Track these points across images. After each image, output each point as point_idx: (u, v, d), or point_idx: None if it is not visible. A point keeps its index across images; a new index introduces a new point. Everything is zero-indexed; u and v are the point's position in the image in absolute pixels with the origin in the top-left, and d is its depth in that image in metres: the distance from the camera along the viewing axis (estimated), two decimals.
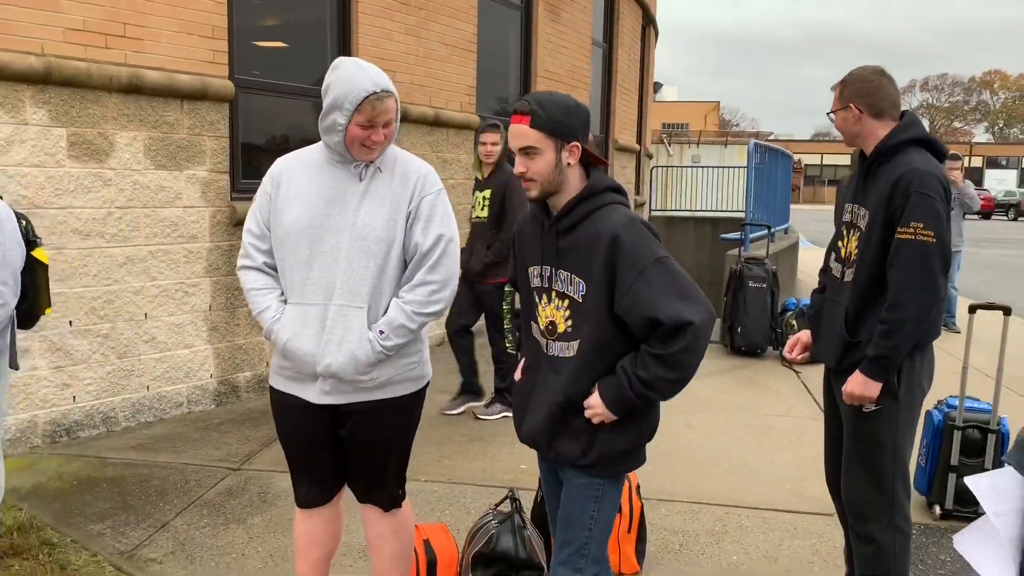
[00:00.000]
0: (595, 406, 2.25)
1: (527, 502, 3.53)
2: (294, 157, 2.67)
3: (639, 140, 14.29)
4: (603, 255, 2.18)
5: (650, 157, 17.03)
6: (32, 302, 3.22)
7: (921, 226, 2.67)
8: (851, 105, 2.86)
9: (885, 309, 2.73)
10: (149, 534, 3.75)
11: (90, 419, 5.00)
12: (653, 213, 18.15)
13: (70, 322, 4.85)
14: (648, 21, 14.38)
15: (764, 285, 7.68)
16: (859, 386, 2.78)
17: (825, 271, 3.14)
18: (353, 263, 2.51)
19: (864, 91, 2.86)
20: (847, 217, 2.97)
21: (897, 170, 2.75)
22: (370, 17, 6.68)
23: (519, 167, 2.24)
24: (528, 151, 2.22)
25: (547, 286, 2.34)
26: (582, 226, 2.25)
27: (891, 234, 2.74)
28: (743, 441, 5.30)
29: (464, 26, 7.89)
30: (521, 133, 2.21)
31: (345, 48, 6.57)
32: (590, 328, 2.24)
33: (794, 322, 7.63)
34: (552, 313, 2.33)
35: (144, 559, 3.53)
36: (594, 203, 2.25)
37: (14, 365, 3.21)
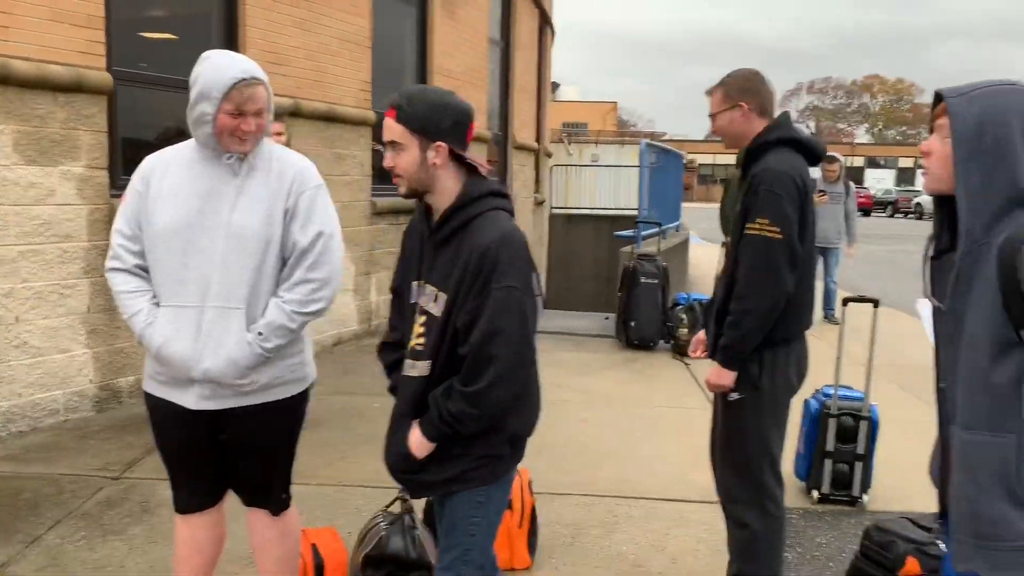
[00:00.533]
0: (413, 443, 2.20)
1: (419, 502, 3.51)
2: (165, 154, 2.57)
3: (538, 139, 14.42)
4: (471, 268, 2.10)
5: (549, 156, 17.22)
6: None
7: (767, 222, 2.77)
8: (742, 104, 2.91)
9: (732, 301, 2.85)
10: (19, 550, 3.55)
11: None
12: (553, 211, 18.36)
13: None
14: (545, 21, 14.53)
15: (656, 281, 7.88)
16: (714, 375, 2.92)
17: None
18: (229, 263, 2.43)
19: (751, 89, 2.94)
20: (731, 215, 3.08)
21: (756, 168, 2.86)
22: (259, 10, 6.51)
23: (387, 161, 2.18)
24: (393, 145, 2.15)
25: (415, 300, 2.28)
26: (459, 235, 2.16)
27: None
28: (635, 433, 5.42)
29: (357, 20, 7.77)
30: (387, 126, 2.15)
31: (232, 41, 6.38)
32: (444, 346, 2.16)
33: (683, 316, 7.85)
34: (416, 329, 2.25)
35: None
36: (471, 211, 2.17)
37: None
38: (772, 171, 2.80)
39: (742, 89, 2.93)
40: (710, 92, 3.01)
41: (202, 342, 2.43)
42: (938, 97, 1.80)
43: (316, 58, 7.22)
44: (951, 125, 1.75)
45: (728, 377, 2.88)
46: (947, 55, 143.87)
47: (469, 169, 2.22)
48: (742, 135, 2.96)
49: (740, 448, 2.98)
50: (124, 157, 5.63)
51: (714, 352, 2.97)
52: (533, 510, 3.56)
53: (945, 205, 1.84)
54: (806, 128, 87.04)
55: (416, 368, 2.23)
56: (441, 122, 2.13)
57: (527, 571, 3.50)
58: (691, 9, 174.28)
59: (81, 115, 5.19)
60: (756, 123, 2.93)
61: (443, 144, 2.14)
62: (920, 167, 1.90)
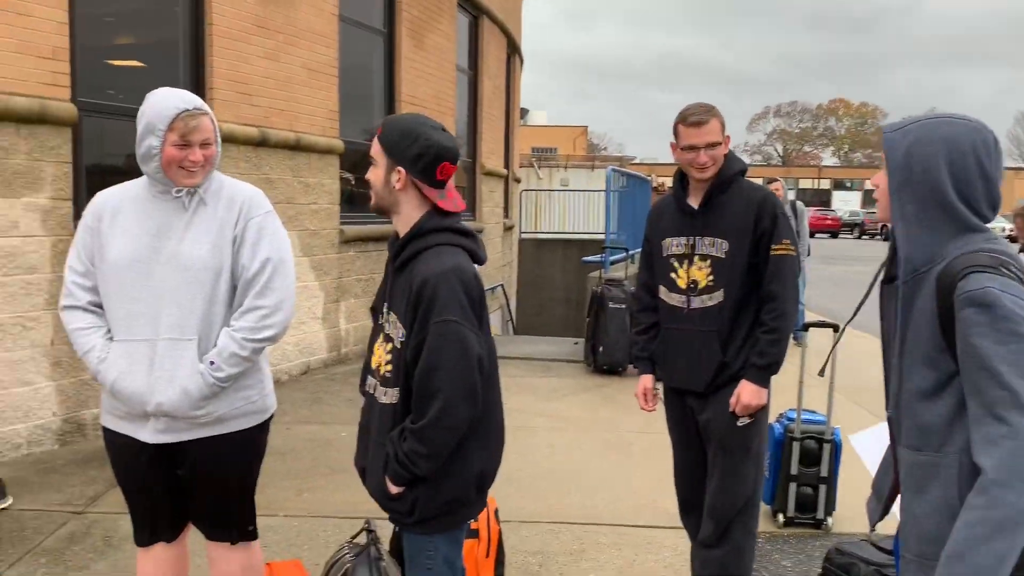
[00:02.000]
0: (388, 483, 2.21)
1: (385, 532, 3.51)
2: (117, 190, 2.59)
3: (506, 165, 14.52)
4: (412, 299, 2.14)
5: (518, 181, 17.33)
6: None
7: (788, 242, 2.99)
8: (728, 136, 3.04)
9: (773, 319, 2.96)
10: None
11: None
12: (523, 236, 18.45)
13: None
14: (513, 49, 14.68)
15: (624, 306, 7.94)
16: (754, 395, 2.98)
17: (645, 309, 3.31)
18: (179, 295, 2.44)
19: (725, 124, 3.05)
20: (676, 249, 3.13)
21: (750, 195, 3.01)
22: (226, 40, 6.53)
23: (369, 175, 2.30)
24: (371, 160, 2.27)
25: (380, 324, 2.33)
26: (410, 265, 2.22)
27: (756, 255, 2.98)
28: (604, 458, 5.45)
29: (325, 51, 7.82)
30: (373, 145, 2.27)
31: (199, 70, 6.40)
32: (403, 377, 2.20)
33: None
34: (381, 355, 2.29)
35: None
36: (422, 243, 2.21)
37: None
38: (773, 195, 3.03)
39: (724, 122, 3.04)
40: (701, 120, 2.98)
41: (155, 375, 2.44)
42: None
43: (285, 87, 7.25)
44: (885, 157, 1.83)
45: (764, 395, 2.98)
46: (905, 80, 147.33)
47: (437, 206, 2.24)
48: (716, 167, 3.04)
49: (744, 469, 3.05)
50: (89, 187, 5.59)
51: (712, 382, 3.05)
52: (500, 538, 3.56)
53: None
54: (774, 151, 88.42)
55: (387, 396, 2.25)
56: (406, 150, 2.19)
57: None
58: (650, 36, 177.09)
59: (45, 146, 5.17)
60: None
61: (402, 170, 2.20)
62: None
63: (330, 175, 7.97)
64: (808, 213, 9.90)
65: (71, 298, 2.55)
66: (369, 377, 2.37)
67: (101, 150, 5.82)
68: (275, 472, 4.98)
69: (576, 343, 9.69)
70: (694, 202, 3.11)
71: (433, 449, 2.12)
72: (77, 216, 5.41)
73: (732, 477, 3.08)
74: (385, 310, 2.31)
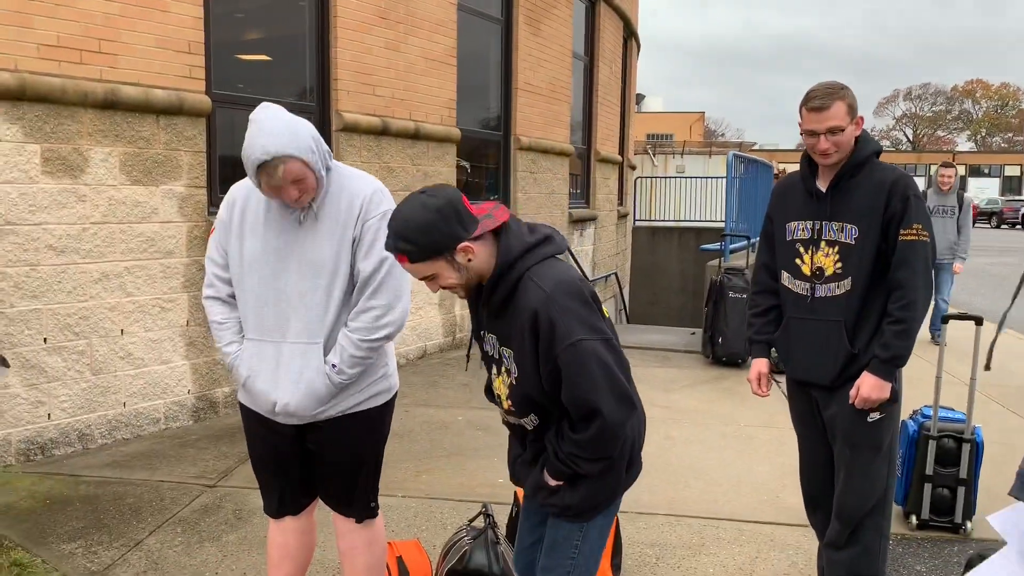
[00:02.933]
0: (546, 478, 2.25)
1: (502, 517, 3.52)
2: (247, 186, 2.60)
3: (621, 151, 14.34)
4: (529, 335, 2.08)
5: (633, 168, 17.10)
6: None
7: (920, 226, 2.79)
8: (861, 116, 2.88)
9: (899, 309, 2.79)
10: (122, 553, 3.72)
11: (65, 437, 4.96)
12: (637, 223, 18.21)
13: (44, 339, 4.81)
14: (629, 33, 14.46)
15: (744, 295, 7.71)
16: (876, 389, 2.82)
17: (763, 291, 3.16)
18: (307, 299, 2.50)
19: (857, 104, 2.88)
20: (801, 234, 2.98)
21: (881, 177, 2.83)
22: (349, 32, 6.69)
23: (434, 289, 2.16)
24: (429, 279, 2.12)
25: (497, 357, 2.27)
26: (509, 303, 2.13)
27: (885, 241, 2.81)
28: (723, 452, 5.30)
29: (444, 40, 7.91)
30: (412, 270, 2.11)
31: (324, 62, 6.58)
32: (530, 405, 2.21)
33: None
34: (500, 387, 2.29)
35: None
36: (513, 276, 2.10)
37: (5, 363, 3.53)
38: (906, 177, 2.83)
39: (855, 102, 2.87)
40: (823, 104, 2.83)
41: (282, 377, 2.51)
42: None
43: (405, 77, 7.37)
44: None
45: (888, 390, 2.83)
46: None
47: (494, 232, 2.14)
48: (845, 151, 2.88)
49: (874, 467, 2.90)
50: (221, 176, 5.86)
51: (839, 375, 2.91)
52: (617, 528, 3.52)
53: None
54: (903, 136, 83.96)
55: (522, 422, 2.29)
56: (441, 237, 2.04)
57: None
58: (766, 18, 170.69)
59: (182, 136, 5.43)
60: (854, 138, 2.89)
61: (466, 245, 2.07)
62: None
63: (447, 164, 8.06)
64: (973, 206, 8.79)
65: (212, 288, 2.65)
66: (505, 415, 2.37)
67: (231, 140, 6.07)
68: (394, 453, 5.09)
69: (693, 333, 9.50)
70: (822, 185, 2.95)
71: (596, 454, 2.13)
72: (211, 203, 5.68)
73: (861, 476, 2.92)
74: (495, 343, 2.24)
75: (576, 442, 2.12)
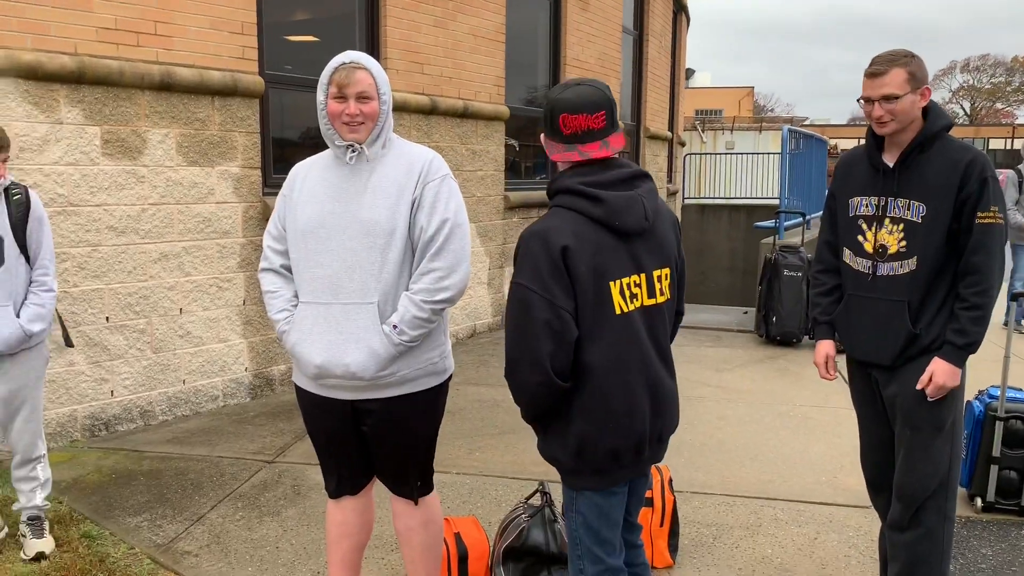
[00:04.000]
0: None
1: (558, 495, 3.51)
2: (308, 161, 2.71)
3: (671, 128, 14.15)
4: None
5: (682, 145, 16.87)
6: None
7: (996, 209, 2.69)
8: (927, 88, 2.76)
9: (974, 295, 2.70)
10: (185, 527, 3.80)
11: (128, 413, 5.08)
12: (686, 201, 17.99)
13: (107, 318, 4.92)
14: (679, 7, 14.22)
15: (799, 273, 7.57)
16: (950, 376, 2.75)
17: (827, 270, 3.09)
18: (360, 258, 2.51)
19: (925, 75, 2.77)
20: (865, 211, 2.90)
21: (956, 156, 2.73)
22: (398, 9, 6.68)
23: None
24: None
25: None
26: None
27: (957, 222, 2.72)
28: (778, 432, 5.23)
29: (493, 16, 7.85)
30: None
31: (374, 40, 6.58)
32: None
33: None
34: None
35: (180, 552, 3.58)
36: (552, 203, 2.32)
37: (70, 343, 3.68)
38: (983, 156, 2.71)
39: (924, 74, 2.76)
40: (880, 70, 2.73)
41: (341, 338, 2.52)
42: None
43: (453, 55, 7.35)
44: None
45: (959, 376, 2.76)
46: None
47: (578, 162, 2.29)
48: (908, 123, 2.77)
49: (936, 448, 2.83)
50: (275, 156, 5.92)
51: (900, 355, 2.83)
52: (675, 508, 3.49)
53: None
54: (960, 109, 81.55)
55: None
56: (544, 119, 2.29)
57: (668, 570, 3.44)
58: None
59: (236, 117, 5.49)
60: (920, 111, 2.78)
61: (543, 137, 2.30)
62: None
63: (496, 142, 8.03)
64: None
65: (266, 261, 2.69)
66: None
67: (283, 120, 6.12)
68: (447, 431, 5.12)
69: (746, 312, 9.38)
70: (889, 159, 2.85)
71: (517, 398, 2.24)
72: (265, 183, 5.74)
73: (923, 457, 2.85)
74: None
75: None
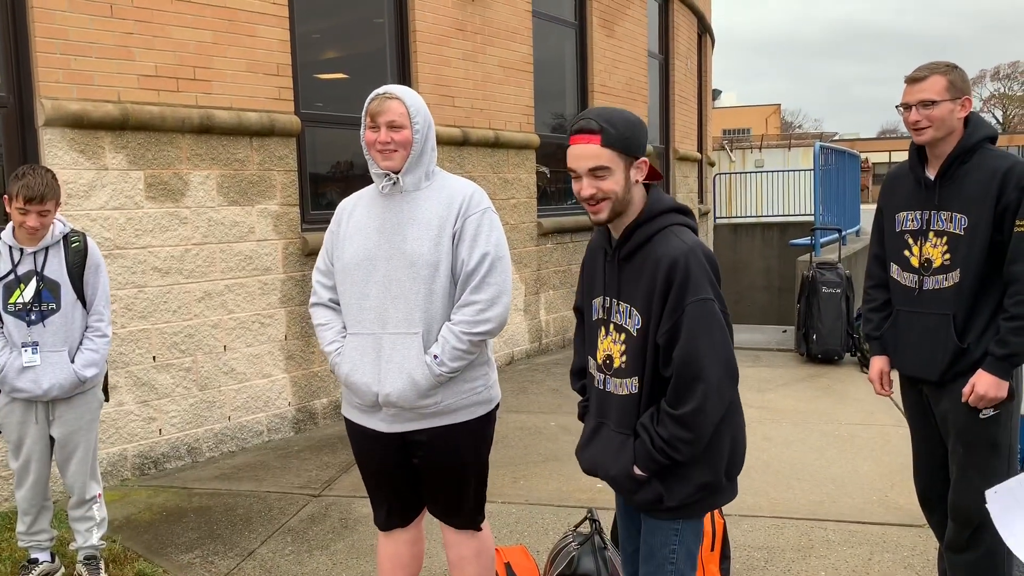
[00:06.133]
0: (636, 467, 2.17)
1: (606, 522, 3.50)
2: (355, 196, 2.78)
3: (700, 148, 14.15)
4: (660, 282, 2.10)
5: (712, 165, 16.84)
6: None
7: None
8: (967, 99, 2.76)
9: (1014, 305, 2.66)
10: (237, 563, 3.84)
11: (176, 451, 5.16)
12: (718, 221, 17.92)
13: (153, 357, 5.01)
14: (704, 29, 14.27)
15: (838, 290, 7.50)
16: (992, 387, 2.70)
17: (878, 285, 3.07)
18: (405, 290, 2.55)
19: (966, 86, 2.77)
20: (910, 225, 2.89)
21: (994, 165, 2.71)
22: (428, 45, 6.79)
23: (587, 189, 2.13)
24: (598, 171, 2.11)
25: (606, 318, 2.28)
26: (643, 251, 2.17)
27: (999, 232, 2.70)
28: (824, 452, 5.16)
29: (520, 47, 7.95)
30: (590, 153, 2.10)
31: (405, 76, 6.69)
32: (650, 362, 2.15)
33: None
34: (609, 347, 2.26)
35: None
36: (656, 225, 2.17)
37: (107, 396, 3.61)
38: (1022, 163, 2.69)
39: (966, 84, 2.76)
40: (920, 76, 2.74)
41: (384, 368, 2.56)
42: None
43: (483, 87, 7.44)
44: None
45: (1005, 388, 2.71)
46: None
47: (650, 179, 2.23)
48: (948, 132, 2.76)
49: (991, 466, 2.78)
50: (312, 193, 6.02)
51: (948, 370, 2.79)
52: (725, 532, 3.46)
53: None
54: (993, 118, 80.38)
55: (624, 386, 2.23)
56: (640, 138, 2.15)
57: None
58: (812, 5, 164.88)
59: (274, 157, 5.60)
60: (962, 122, 2.77)
61: (645, 160, 2.17)
62: None
63: (527, 169, 8.09)
64: None
65: (315, 296, 2.76)
66: (596, 373, 2.33)
67: (320, 157, 6.23)
68: (491, 460, 5.12)
69: (785, 331, 9.29)
70: (931, 173, 2.85)
71: (697, 434, 2.08)
72: (303, 219, 5.83)
73: (978, 475, 2.79)
74: (611, 303, 2.26)
75: (675, 417, 2.07)
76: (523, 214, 8.02)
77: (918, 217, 2.87)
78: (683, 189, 12.32)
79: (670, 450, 2.10)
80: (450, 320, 2.57)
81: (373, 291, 2.58)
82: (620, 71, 9.77)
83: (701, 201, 14.17)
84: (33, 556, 3.59)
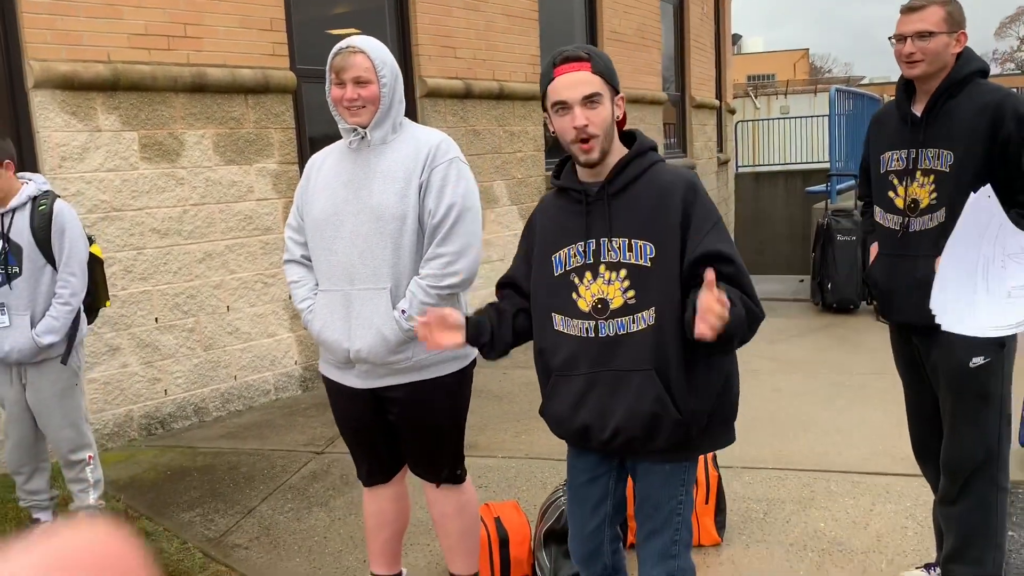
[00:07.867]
0: (718, 308, 1.86)
1: None
2: (323, 151, 2.72)
3: (718, 95, 13.83)
4: (678, 205, 2.06)
5: (732, 112, 16.47)
6: (93, 296, 3.44)
7: None
8: (963, 33, 2.61)
9: None
10: (236, 520, 3.87)
11: (182, 411, 5.20)
12: (740, 170, 17.60)
13: (156, 319, 5.03)
14: None
15: (853, 238, 7.34)
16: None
17: (867, 230, 2.97)
18: (371, 244, 2.50)
19: (963, 20, 2.63)
20: (895, 165, 2.76)
21: (985, 99, 2.57)
22: None
23: (580, 119, 2.01)
24: (591, 99, 2.02)
25: (592, 261, 2.13)
26: (639, 182, 2.11)
27: (994, 167, 2.55)
28: (834, 402, 5.08)
29: None
30: (581, 80, 2.02)
31: (404, 28, 6.55)
32: (667, 291, 2.05)
33: None
34: (602, 289, 2.11)
35: (231, 545, 3.64)
36: (649, 158, 2.15)
37: (65, 360, 3.39)
38: (1015, 95, 2.57)
39: (962, 17, 2.62)
40: (915, 6, 2.60)
41: (353, 324, 2.52)
42: None
43: (485, 36, 7.28)
44: None
45: None
46: None
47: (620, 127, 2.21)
48: (941, 68, 2.62)
49: (982, 416, 2.69)
50: (311, 150, 5.94)
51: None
52: (720, 485, 3.41)
53: None
54: None
55: (637, 322, 2.08)
56: (616, 75, 2.13)
57: (716, 548, 3.36)
58: None
59: (270, 114, 5.53)
60: (953, 57, 2.63)
61: (623, 96, 2.15)
62: None
63: (534, 122, 7.94)
64: None
65: (288, 253, 2.72)
66: (580, 321, 2.14)
67: (318, 114, 6.15)
68: (494, 415, 5.11)
69: (801, 280, 9.15)
70: (918, 109, 2.71)
71: (756, 319, 2.08)
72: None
73: (969, 426, 2.69)
74: (596, 244, 2.12)
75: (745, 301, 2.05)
76: (530, 168, 7.90)
77: (903, 156, 2.74)
78: (700, 138, 12.08)
79: (749, 316, 2.04)
80: (417, 274, 2.52)
81: (341, 247, 2.53)
82: (630, 16, 9.52)
83: (720, 150, 13.90)
84: (35, 516, 3.64)
